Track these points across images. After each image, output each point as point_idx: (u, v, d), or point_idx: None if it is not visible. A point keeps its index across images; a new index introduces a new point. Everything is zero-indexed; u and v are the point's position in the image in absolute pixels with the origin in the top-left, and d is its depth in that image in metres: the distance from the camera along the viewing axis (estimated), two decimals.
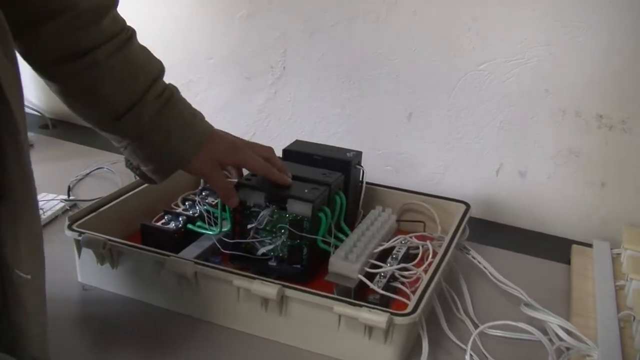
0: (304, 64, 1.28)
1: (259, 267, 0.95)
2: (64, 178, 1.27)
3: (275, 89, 1.32)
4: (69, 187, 1.19)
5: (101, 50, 0.78)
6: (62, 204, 1.15)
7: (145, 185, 1.05)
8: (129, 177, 1.18)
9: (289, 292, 0.82)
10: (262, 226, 0.95)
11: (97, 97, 0.80)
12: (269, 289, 0.82)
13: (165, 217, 1.02)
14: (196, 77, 1.40)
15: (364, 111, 1.26)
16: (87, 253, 0.92)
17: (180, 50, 1.40)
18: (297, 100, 1.32)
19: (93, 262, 0.93)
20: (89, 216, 0.97)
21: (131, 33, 0.83)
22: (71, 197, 1.18)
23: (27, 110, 1.48)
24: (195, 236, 1.01)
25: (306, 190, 0.93)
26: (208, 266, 0.86)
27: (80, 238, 0.91)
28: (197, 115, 0.89)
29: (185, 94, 1.38)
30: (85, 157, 1.40)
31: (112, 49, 0.79)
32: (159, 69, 0.86)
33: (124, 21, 0.83)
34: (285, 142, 1.21)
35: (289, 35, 1.28)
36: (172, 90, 0.87)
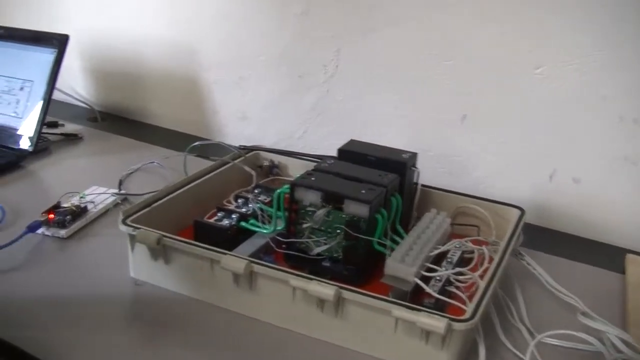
0: (357, 63, 1.27)
1: (313, 267, 0.94)
2: (113, 172, 1.27)
3: (327, 88, 1.31)
4: (120, 181, 1.19)
5: None
6: (113, 198, 1.15)
7: (198, 181, 1.06)
8: (179, 173, 1.19)
9: (346, 294, 0.81)
10: (317, 226, 0.93)
11: None
12: (326, 290, 0.81)
13: (218, 214, 1.02)
14: (247, 74, 1.40)
15: (417, 112, 1.24)
16: (141, 248, 0.92)
17: (232, 47, 1.40)
18: (349, 99, 1.31)
19: (146, 258, 0.93)
20: (142, 211, 0.96)
21: None
22: (122, 191, 1.17)
23: (75, 102, 1.53)
24: (247, 234, 1.00)
25: (363, 191, 0.91)
26: (264, 265, 0.85)
27: (134, 233, 0.90)
28: None
29: (236, 90, 1.42)
30: (134, 150, 1.41)
31: None
32: None
33: None
34: (336, 141, 1.19)
35: (343, 34, 1.27)
36: None
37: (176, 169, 1.24)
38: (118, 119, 1.63)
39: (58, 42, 1.33)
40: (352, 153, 1.04)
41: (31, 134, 1.32)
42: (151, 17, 1.51)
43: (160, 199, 1.01)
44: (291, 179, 1.13)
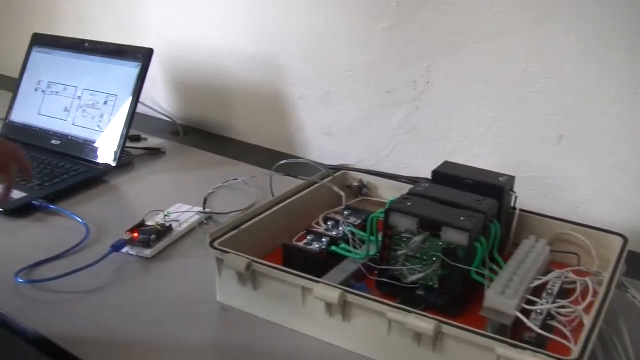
0: (448, 79, 1.23)
1: (406, 296, 0.89)
2: (197, 189, 1.25)
3: (417, 105, 1.27)
4: (205, 199, 1.16)
5: None
6: (197, 217, 1.13)
7: (287, 202, 1.03)
8: (264, 191, 1.17)
9: (446, 329, 0.77)
10: (412, 253, 0.89)
11: None
12: (425, 324, 0.77)
13: (308, 237, 0.98)
14: (334, 89, 1.37)
15: (511, 131, 1.19)
16: (229, 272, 0.90)
17: (319, 61, 1.37)
18: (440, 118, 1.26)
19: (234, 282, 0.90)
20: (230, 233, 0.94)
21: None
22: (207, 210, 1.15)
23: (157, 115, 1.52)
24: (337, 258, 0.97)
25: (462, 218, 0.87)
26: (360, 295, 0.81)
27: (222, 257, 0.88)
28: None
29: (322, 105, 1.38)
30: (217, 167, 1.39)
31: None
32: None
33: None
34: (426, 160, 1.20)
35: (434, 49, 1.23)
36: None
37: (261, 186, 1.23)
38: (200, 133, 1.62)
39: (142, 56, 1.32)
40: (447, 176, 1.00)
41: (115, 148, 1.32)
42: (236, 30, 1.50)
43: (249, 220, 0.98)
44: (382, 200, 1.11)
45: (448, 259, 0.86)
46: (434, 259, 0.88)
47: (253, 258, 0.87)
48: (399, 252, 0.90)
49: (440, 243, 0.87)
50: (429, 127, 1.27)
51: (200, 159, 1.44)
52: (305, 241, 0.98)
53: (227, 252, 0.88)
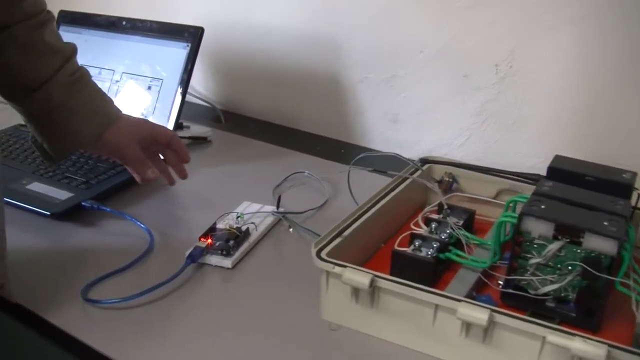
0: (536, 63, 1.12)
1: (535, 308, 0.81)
2: (257, 183, 1.15)
3: (498, 90, 1.16)
4: (279, 197, 1.04)
5: (19, 27, 0.84)
6: (272, 217, 1.02)
7: (383, 202, 0.93)
8: (335, 186, 1.11)
9: (618, 354, 0.66)
10: (545, 262, 0.79)
11: (10, 71, 0.85)
12: (592, 348, 0.66)
13: (415, 242, 0.87)
14: (402, 72, 1.25)
15: (608, 118, 1.09)
16: (338, 287, 0.78)
17: (385, 42, 1.26)
18: (524, 104, 1.15)
19: (345, 298, 0.79)
20: (335, 241, 0.83)
21: (51, 16, 0.89)
22: (281, 209, 1.03)
23: (195, 100, 1.38)
24: (444, 265, 0.88)
25: (605, 223, 0.77)
26: (511, 316, 0.71)
27: (338, 271, 0.77)
28: (106, 100, 0.93)
29: (386, 90, 1.27)
30: (274, 158, 1.27)
31: (30, 27, 0.85)
32: (72, 50, 0.90)
33: (44, 4, 0.89)
34: (506, 150, 1.14)
35: (519, 30, 1.12)
36: (83, 73, 0.91)
37: (328, 179, 1.14)
38: (244, 120, 1.49)
39: (191, 35, 1.19)
40: (565, 172, 0.89)
41: None
42: (285, 7, 1.37)
43: (351, 225, 0.87)
44: (477, 197, 1.02)
45: (591, 268, 0.76)
46: (570, 267, 0.79)
47: (376, 273, 0.77)
48: (531, 261, 0.80)
49: (579, 251, 0.78)
50: (510, 114, 1.17)
51: (251, 148, 1.32)
52: (413, 247, 0.88)
53: (343, 266, 0.77)
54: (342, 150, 1.32)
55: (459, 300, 0.73)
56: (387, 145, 1.32)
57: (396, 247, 0.87)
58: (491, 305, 0.72)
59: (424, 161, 1.05)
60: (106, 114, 0.92)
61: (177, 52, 1.20)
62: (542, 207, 0.80)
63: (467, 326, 0.74)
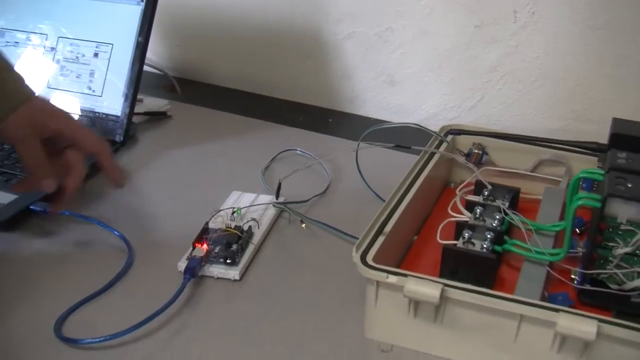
0: (562, 8, 1.03)
1: (621, 307, 0.71)
2: (239, 165, 1.03)
3: (517, 42, 1.07)
4: (279, 183, 0.91)
5: None
6: (273, 210, 0.89)
7: (417, 186, 0.83)
8: (335, 165, 1.01)
9: None
10: (633, 250, 0.70)
11: None
12: None
13: (465, 234, 0.76)
14: (398, 25, 1.15)
15: None
16: (392, 299, 0.68)
17: None
18: (549, 57, 1.07)
19: (400, 313, 0.68)
20: (377, 242, 0.71)
21: None
22: (281, 199, 0.91)
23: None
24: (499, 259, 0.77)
25: None
26: (624, 326, 0.61)
27: (389, 280, 0.66)
28: (15, 79, 0.78)
29: (379, 47, 1.19)
30: (252, 133, 1.14)
31: None
32: None
33: None
34: (526, 111, 1.09)
35: None
36: None
37: (323, 155, 1.01)
38: (203, 88, 1.35)
39: None
40: (633, 139, 0.80)
41: (120, 117, 1.03)
42: None
43: (387, 220, 0.75)
44: (513, 170, 0.92)
45: None
46: None
47: (446, 282, 0.66)
48: (617, 251, 0.71)
49: None
50: (532, 70, 1.08)
51: (220, 122, 1.18)
52: (463, 239, 0.76)
53: (403, 275, 0.66)
54: (329, 119, 1.22)
55: (557, 311, 0.63)
56: (380, 111, 1.22)
57: (442, 241, 0.76)
58: (566, 306, 0.64)
59: (447, 131, 0.95)
60: (14, 93, 0.76)
61: (129, 9, 1.04)
62: (629, 185, 0.71)
63: (562, 339, 0.64)
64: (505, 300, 0.64)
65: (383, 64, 1.19)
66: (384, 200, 0.79)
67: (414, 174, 0.85)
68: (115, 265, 0.78)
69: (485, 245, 0.75)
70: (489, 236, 0.76)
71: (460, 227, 0.79)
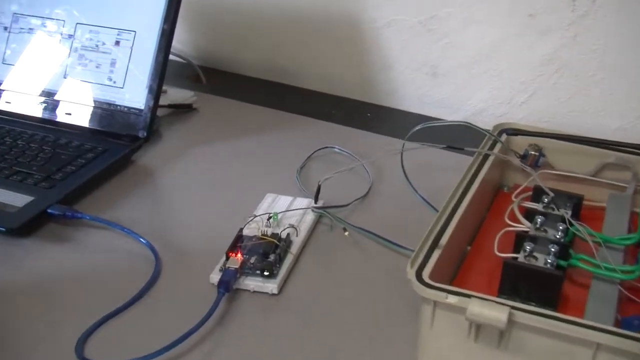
0: None
1: None
2: (272, 164, 0.99)
3: (574, 32, 1.03)
4: (318, 187, 0.86)
5: None
6: (312, 215, 0.85)
7: (472, 192, 0.78)
8: (376, 166, 0.95)
9: None
10: None
11: None
12: None
13: (526, 246, 0.72)
14: (445, 12, 1.10)
15: None
16: (448, 320, 0.63)
17: None
18: (609, 49, 1.02)
19: (457, 335, 0.64)
20: (433, 256, 0.67)
21: None
22: (321, 202, 0.87)
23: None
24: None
25: None
26: None
27: (448, 301, 0.61)
28: None
29: (422, 36, 1.15)
30: (284, 129, 1.10)
31: None
32: None
33: None
34: (582, 108, 1.05)
35: None
36: None
37: (362, 153, 0.98)
38: (230, 79, 1.31)
39: None
40: None
41: (143, 110, 1.00)
42: None
43: (445, 229, 0.71)
44: (573, 174, 0.87)
45: None
46: None
47: (512, 303, 0.61)
48: None
49: None
50: (590, 63, 1.04)
51: (250, 115, 1.14)
52: (525, 252, 0.72)
53: (466, 296, 0.61)
54: (368, 114, 1.17)
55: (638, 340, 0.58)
56: (422, 106, 1.18)
57: (501, 254, 0.72)
58: None
59: (500, 130, 0.90)
60: None
61: None
62: None
63: None
64: (580, 327, 0.59)
65: (426, 54, 1.15)
66: (430, 205, 0.75)
67: (468, 178, 0.81)
68: (140, 276, 0.74)
69: (549, 260, 0.71)
70: (552, 249, 0.72)
71: (520, 238, 0.74)
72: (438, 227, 0.71)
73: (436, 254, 0.67)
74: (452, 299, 0.61)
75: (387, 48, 1.18)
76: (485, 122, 1.02)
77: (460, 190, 0.78)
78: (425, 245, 0.68)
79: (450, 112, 1.13)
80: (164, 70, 0.99)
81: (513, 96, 1.11)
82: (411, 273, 0.64)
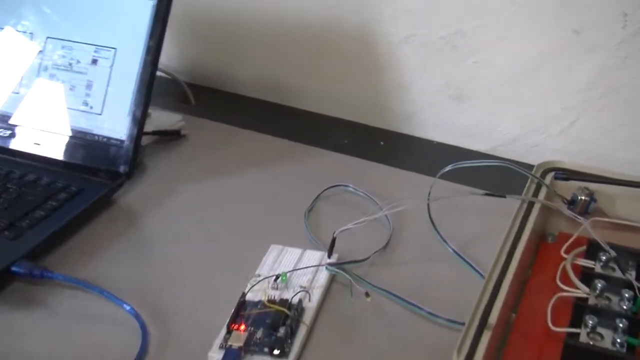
0: None
1: None
2: (272, 205, 0.91)
3: (625, 52, 0.96)
4: (333, 239, 0.78)
5: None
6: (325, 273, 0.77)
7: (519, 251, 0.71)
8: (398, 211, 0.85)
9: None
10: None
11: None
12: None
13: (588, 321, 0.64)
14: (472, 26, 1.04)
15: None
16: None
17: None
18: None
19: None
20: (483, 341, 0.59)
21: None
22: (334, 257, 0.79)
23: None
24: None
25: None
26: None
27: None
28: None
29: (445, 54, 1.09)
30: (285, 159, 1.03)
31: None
32: None
33: None
34: (633, 138, 1.00)
35: None
36: None
37: (376, 193, 0.91)
38: (223, 99, 1.25)
39: None
40: None
41: (125, 142, 0.92)
42: None
43: (493, 302, 0.63)
44: (632, 223, 0.79)
45: None
46: None
47: None
48: None
49: None
50: None
51: (247, 145, 1.07)
52: (587, 328, 0.64)
53: None
54: (381, 142, 1.11)
55: None
56: (445, 133, 1.12)
57: (558, 329, 0.65)
58: None
59: (544, 170, 0.83)
60: None
61: (138, 3, 0.93)
62: None
63: None
64: None
65: (449, 74, 1.10)
66: (462, 258, 0.69)
67: (513, 233, 0.73)
68: (124, 352, 0.66)
69: (618, 340, 0.63)
70: (620, 325, 0.64)
71: (578, 308, 0.67)
72: (485, 301, 0.63)
73: (486, 337, 0.59)
74: None
75: (405, 66, 1.13)
76: (518, 153, 0.94)
77: (507, 250, 0.70)
78: (471, 327, 0.60)
79: (476, 140, 1.07)
80: (149, 94, 0.92)
81: (550, 123, 1.05)
82: None
